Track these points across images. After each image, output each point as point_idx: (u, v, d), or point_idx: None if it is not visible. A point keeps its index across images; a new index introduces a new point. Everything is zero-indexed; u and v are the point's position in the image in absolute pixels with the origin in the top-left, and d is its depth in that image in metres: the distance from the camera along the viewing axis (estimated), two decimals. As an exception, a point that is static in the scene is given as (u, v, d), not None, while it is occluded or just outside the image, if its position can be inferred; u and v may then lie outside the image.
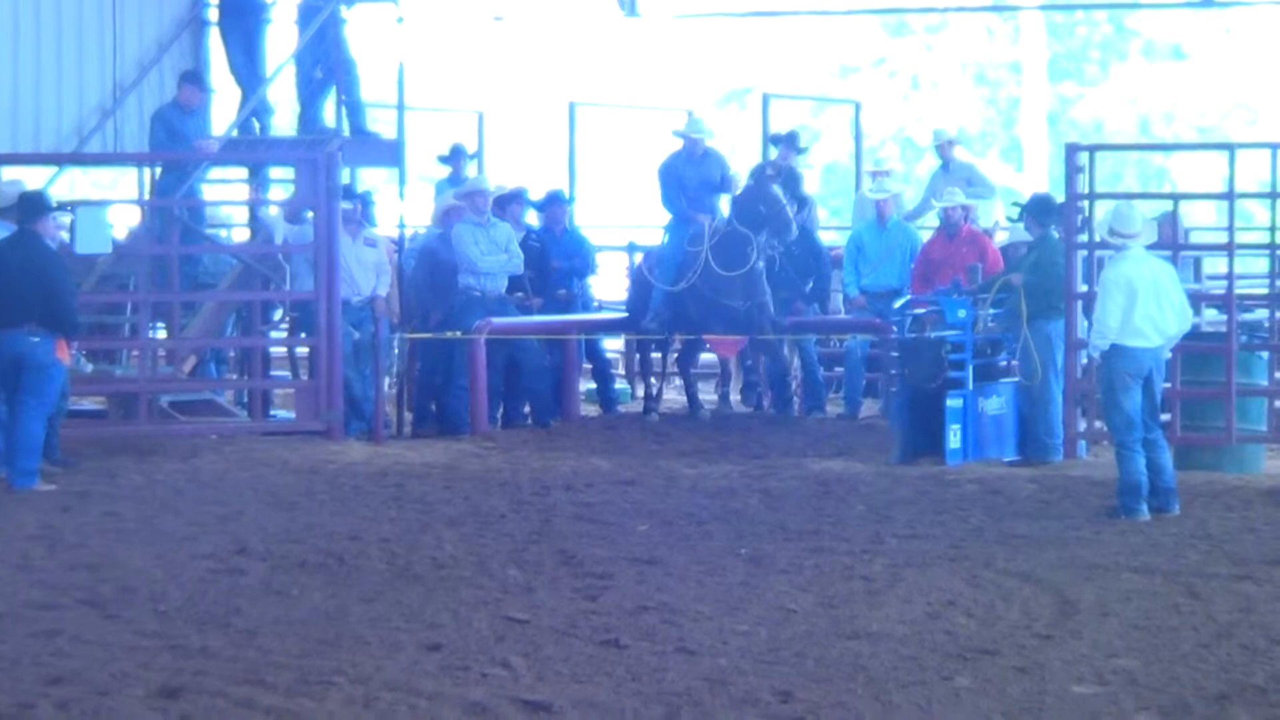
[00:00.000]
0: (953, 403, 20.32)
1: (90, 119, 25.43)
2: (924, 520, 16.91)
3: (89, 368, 23.00)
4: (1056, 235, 21.70)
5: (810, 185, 28.65)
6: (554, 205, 26.59)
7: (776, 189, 21.52)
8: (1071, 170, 21.28)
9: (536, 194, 26.74)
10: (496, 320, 23.87)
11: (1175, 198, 27.91)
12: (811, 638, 12.18)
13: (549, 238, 25.99)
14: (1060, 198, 22.68)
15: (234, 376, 26.41)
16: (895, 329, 22.25)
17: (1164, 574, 14.13)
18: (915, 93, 50.58)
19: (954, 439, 20.17)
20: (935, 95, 49.90)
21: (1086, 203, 21.44)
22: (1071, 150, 22.22)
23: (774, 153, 26.71)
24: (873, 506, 17.78)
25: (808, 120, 37.31)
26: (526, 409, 25.19)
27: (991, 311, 21.27)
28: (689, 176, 22.69)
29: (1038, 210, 21.37)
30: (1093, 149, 23.96)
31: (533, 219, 26.49)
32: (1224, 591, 13.16)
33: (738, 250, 21.64)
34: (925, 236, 24.73)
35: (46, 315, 18.83)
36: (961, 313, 20.80)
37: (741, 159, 29.78)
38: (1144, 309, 17.22)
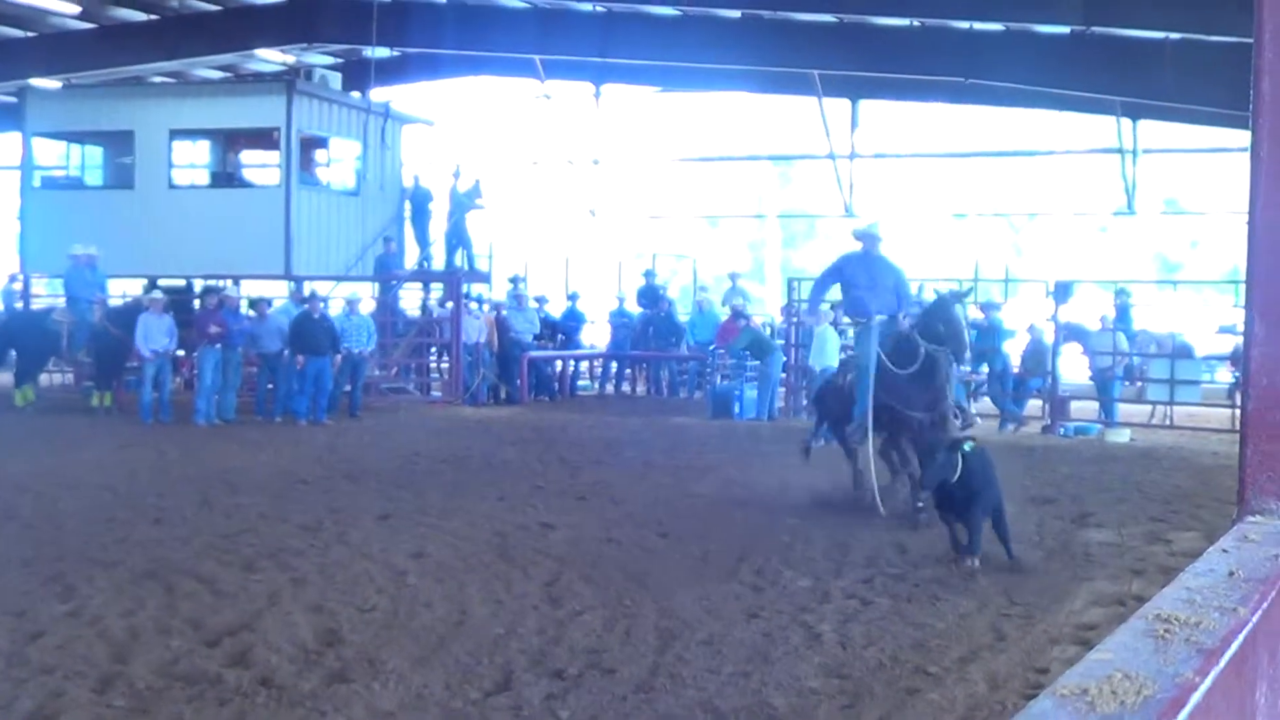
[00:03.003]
0: (737, 393, 27.46)
1: (352, 260, 31.93)
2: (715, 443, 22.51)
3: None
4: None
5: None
6: (572, 300, 34.16)
7: (959, 310, 15.51)
8: (790, 289, 29.05)
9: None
10: (532, 354, 31.21)
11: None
12: (672, 498, 16.86)
13: (561, 317, 33.46)
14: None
15: (413, 376, 32.25)
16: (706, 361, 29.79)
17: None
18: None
19: (736, 407, 27.34)
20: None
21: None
22: (791, 280, 29.55)
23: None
24: (700, 438, 23.29)
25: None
26: (545, 397, 31.47)
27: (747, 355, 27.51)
28: (859, 276, 16.47)
29: (741, 314, 28.52)
30: (800, 279, 28.95)
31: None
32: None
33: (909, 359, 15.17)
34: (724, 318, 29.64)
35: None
36: (736, 356, 27.78)
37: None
38: (833, 350, 24.48)
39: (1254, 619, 1.38)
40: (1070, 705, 1.07)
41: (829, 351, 24.70)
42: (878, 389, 15.08)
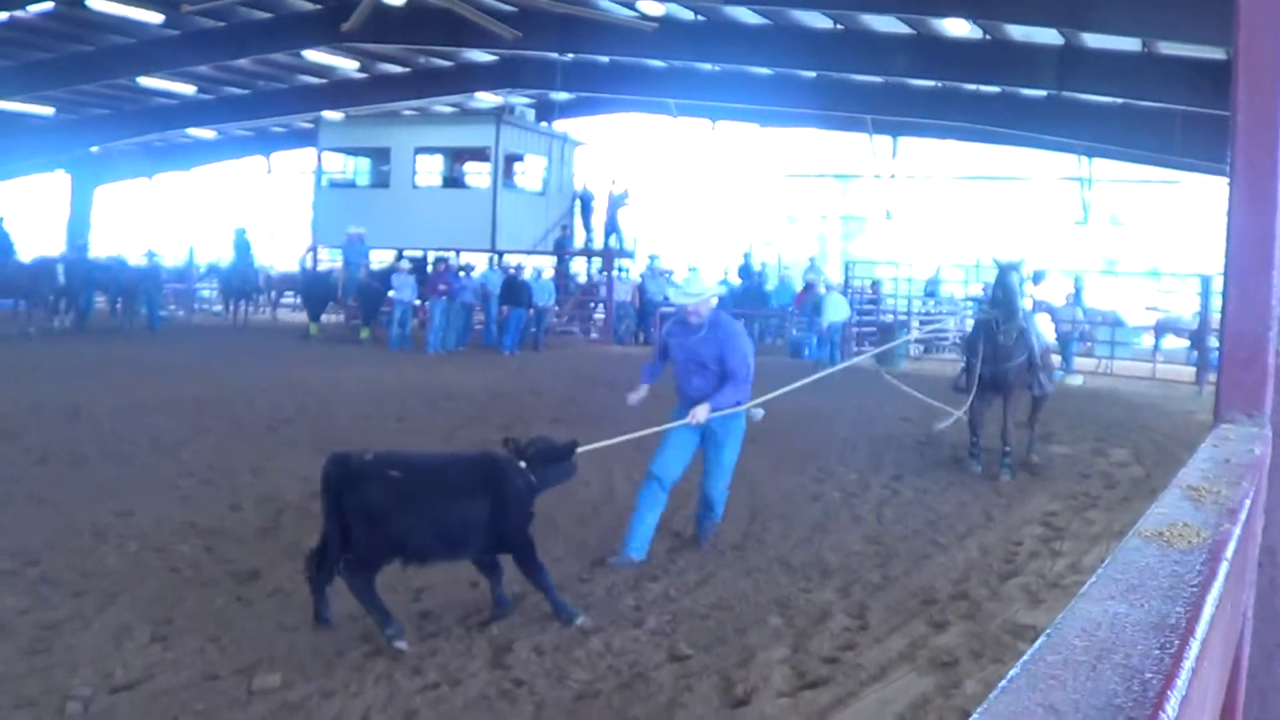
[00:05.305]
0: (806, 340, 27.06)
1: (538, 240, 31.78)
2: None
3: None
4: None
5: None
6: (692, 272, 34.48)
7: (1013, 277, 12.70)
8: (847, 269, 29.45)
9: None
10: (662, 309, 28.25)
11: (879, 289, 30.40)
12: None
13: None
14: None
15: (579, 323, 31.93)
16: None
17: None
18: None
19: (805, 351, 26.60)
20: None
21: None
22: (848, 263, 30.33)
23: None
24: (779, 372, 22.81)
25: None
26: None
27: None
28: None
29: (813, 286, 27.45)
30: (854, 263, 30.46)
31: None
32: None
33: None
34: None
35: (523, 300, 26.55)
36: (807, 315, 27.44)
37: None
38: (835, 309, 27.02)
39: (1251, 490, 1.35)
40: (1154, 544, 1.04)
41: (832, 310, 25.08)
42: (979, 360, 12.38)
